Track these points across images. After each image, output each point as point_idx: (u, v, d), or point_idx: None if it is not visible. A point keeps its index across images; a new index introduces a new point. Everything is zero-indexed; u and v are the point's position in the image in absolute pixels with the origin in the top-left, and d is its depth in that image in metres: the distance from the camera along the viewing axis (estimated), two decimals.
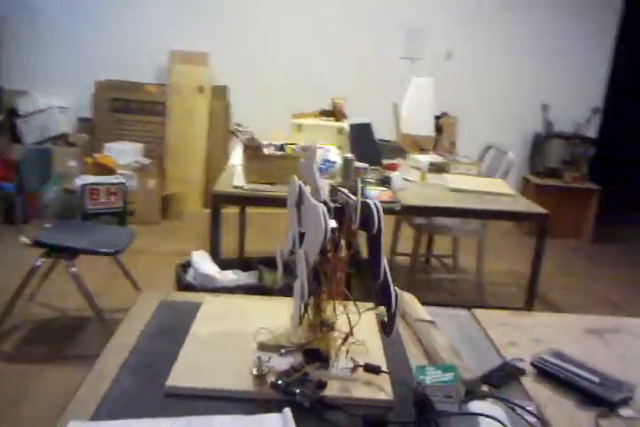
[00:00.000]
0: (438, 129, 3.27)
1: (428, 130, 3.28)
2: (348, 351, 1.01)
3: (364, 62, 4.49)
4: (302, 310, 0.99)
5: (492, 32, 4.53)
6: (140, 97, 4.48)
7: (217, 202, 2.24)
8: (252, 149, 2.30)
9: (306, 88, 4.29)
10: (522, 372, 1.06)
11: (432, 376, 0.94)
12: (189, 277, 2.16)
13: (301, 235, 1.01)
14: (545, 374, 1.05)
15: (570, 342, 1.18)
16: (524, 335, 1.22)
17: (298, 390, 0.92)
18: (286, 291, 2.11)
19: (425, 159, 2.87)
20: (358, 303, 1.02)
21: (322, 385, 0.94)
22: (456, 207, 2.23)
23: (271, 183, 2.32)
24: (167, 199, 4.46)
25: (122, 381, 0.95)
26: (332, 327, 1.02)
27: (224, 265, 2.24)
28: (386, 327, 0.98)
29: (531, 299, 2.37)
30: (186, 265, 2.23)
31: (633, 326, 1.31)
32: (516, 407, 0.93)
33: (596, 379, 1.01)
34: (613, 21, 4.55)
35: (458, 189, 2.47)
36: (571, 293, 3.43)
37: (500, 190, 2.52)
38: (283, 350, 1.02)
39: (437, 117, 3.29)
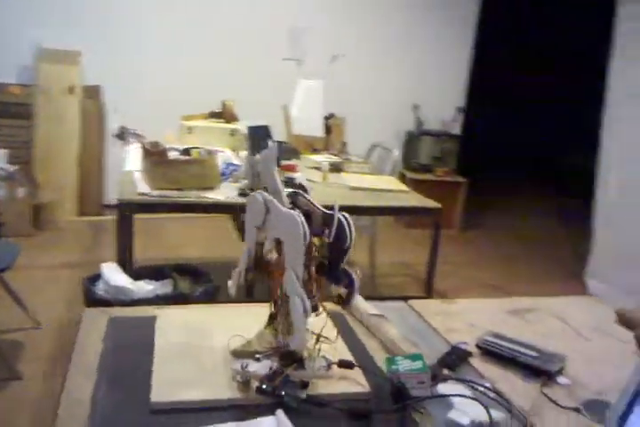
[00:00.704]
0: (328, 130, 3.39)
1: (318, 131, 3.39)
2: (319, 351, 1.06)
3: (251, 63, 4.49)
4: (305, 324, 0.99)
5: (371, 34, 4.75)
6: (2, 99, 4.14)
7: (124, 211, 2.17)
8: (157, 155, 2.25)
9: (192, 89, 4.21)
10: (469, 354, 1.18)
11: (403, 366, 1.02)
12: (100, 290, 2.07)
13: (277, 243, 1.04)
14: (489, 353, 1.18)
15: (499, 324, 1.33)
16: (459, 321, 1.34)
17: (283, 393, 0.95)
18: (204, 297, 2.11)
19: (320, 159, 2.97)
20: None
21: (305, 385, 0.98)
22: (364, 206, 2.35)
23: (179, 189, 2.28)
24: (39, 208, 4.17)
25: (101, 403, 0.93)
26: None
27: (135, 275, 2.18)
28: (344, 300, 1.04)
29: (429, 287, 2.55)
30: (93, 278, 2.14)
31: (544, 306, 1.49)
32: (474, 385, 1.04)
33: (534, 353, 1.15)
34: (470, 32, 4.97)
35: (358, 187, 2.60)
36: (453, 279, 3.72)
37: (395, 187, 2.69)
38: (258, 356, 1.05)
39: (326, 118, 3.40)
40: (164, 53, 4.42)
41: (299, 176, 2.56)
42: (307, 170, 2.84)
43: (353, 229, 1.01)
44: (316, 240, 1.01)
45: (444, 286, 3.47)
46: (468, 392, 1.00)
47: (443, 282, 3.50)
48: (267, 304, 1.10)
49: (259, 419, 0.90)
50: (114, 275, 2.08)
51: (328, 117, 3.42)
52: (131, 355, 1.08)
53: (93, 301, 2.01)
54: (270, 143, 1.13)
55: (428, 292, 2.56)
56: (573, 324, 1.39)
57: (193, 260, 3.08)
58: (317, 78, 3.41)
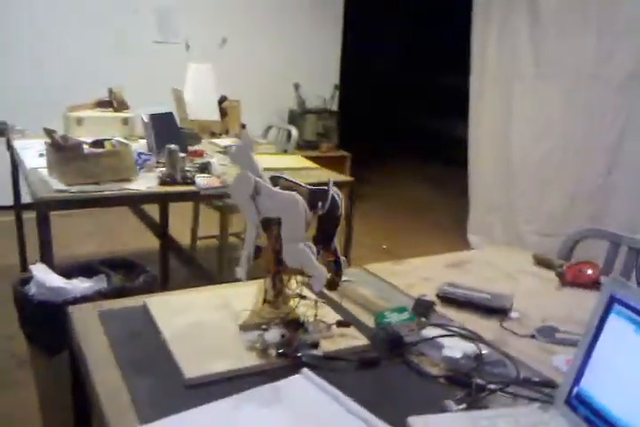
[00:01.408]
0: (223, 113, 3.42)
1: (214, 114, 3.41)
2: (316, 315, 1.18)
3: (131, 48, 4.34)
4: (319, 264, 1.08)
5: (251, 18, 4.78)
6: None
7: (43, 209, 2.10)
8: (71, 149, 2.18)
9: (72, 78, 4.01)
10: (433, 303, 1.35)
11: (394, 318, 1.17)
12: (35, 293, 2.01)
13: (266, 222, 1.13)
14: (449, 300, 1.37)
15: (446, 275, 1.52)
16: (414, 277, 1.52)
17: (300, 354, 1.07)
18: (146, 287, 2.12)
19: (225, 143, 3.01)
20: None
21: (315, 345, 1.10)
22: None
23: (96, 182, 2.24)
24: None
25: (137, 387, 0.98)
26: (303, 297, 1.17)
27: (64, 275, 2.13)
28: (332, 284, 1.17)
29: (348, 256, 2.74)
30: (24, 282, 2.06)
31: (476, 257, 1.71)
32: (449, 327, 1.22)
33: (487, 296, 1.36)
34: (339, 14, 5.18)
35: (271, 168, 2.68)
36: (357, 248, 3.95)
37: (305, 165, 2.82)
38: (264, 327, 1.15)
39: (220, 102, 3.43)
40: (35, 46, 4.15)
41: (213, 161, 2.60)
42: (213, 154, 2.87)
43: (342, 201, 1.14)
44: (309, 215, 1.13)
45: (353, 255, 3.68)
46: (446, 333, 1.18)
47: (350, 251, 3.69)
48: (240, 283, 1.20)
49: (290, 378, 1.01)
50: (46, 276, 2.02)
51: (221, 101, 3.45)
52: (142, 341, 1.13)
53: (30, 306, 1.95)
54: (244, 135, 1.21)
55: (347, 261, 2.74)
56: (504, 268, 1.63)
57: (106, 254, 3.02)
58: (206, 62, 3.41)
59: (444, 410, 0.95)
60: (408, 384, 1.04)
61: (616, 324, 0.89)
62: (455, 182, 4.96)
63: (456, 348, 1.11)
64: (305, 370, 1.03)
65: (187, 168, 2.57)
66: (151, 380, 1.01)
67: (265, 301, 1.20)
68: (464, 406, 0.95)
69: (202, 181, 2.40)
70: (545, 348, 1.20)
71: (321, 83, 5.15)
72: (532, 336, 1.24)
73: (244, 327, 1.15)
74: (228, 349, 1.09)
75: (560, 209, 3.72)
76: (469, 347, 1.11)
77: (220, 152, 2.94)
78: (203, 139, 3.18)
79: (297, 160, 2.94)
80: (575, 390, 0.93)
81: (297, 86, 5.01)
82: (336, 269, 1.17)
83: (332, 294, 1.38)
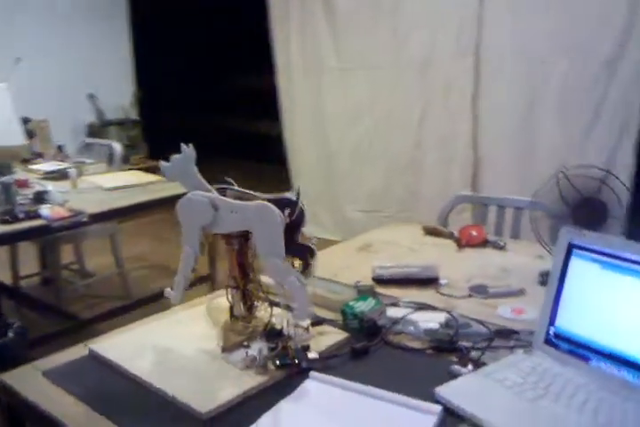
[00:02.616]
0: (30, 135, 3.07)
1: (17, 139, 3.04)
2: (288, 320, 1.17)
3: None
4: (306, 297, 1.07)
5: (45, 33, 4.31)
6: None
7: None
8: None
9: None
10: (373, 287, 1.42)
11: (362, 307, 1.21)
12: None
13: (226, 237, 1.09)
14: (383, 281, 1.44)
15: (359, 259, 1.60)
16: (335, 267, 1.56)
17: (297, 361, 1.05)
18: (22, 341, 1.87)
19: (48, 168, 2.72)
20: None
21: (307, 348, 1.09)
22: (139, 202, 2.31)
23: None
24: None
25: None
26: (275, 305, 1.15)
27: None
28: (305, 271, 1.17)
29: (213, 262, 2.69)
30: None
31: (375, 238, 1.81)
32: (404, 304, 1.30)
33: (416, 269, 1.46)
34: (125, 24, 4.93)
35: (115, 187, 2.51)
36: None
37: (149, 179, 2.67)
38: (245, 343, 1.10)
39: (24, 123, 3.07)
40: None
41: (50, 190, 2.34)
42: (45, 182, 2.59)
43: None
44: None
45: None
46: (411, 310, 1.25)
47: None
48: (176, 307, 1.15)
49: (301, 387, 0.99)
50: None
51: (25, 122, 3.09)
52: (119, 391, 1.01)
53: None
54: (184, 147, 1.13)
55: (212, 265, 2.69)
56: (403, 244, 1.75)
57: None
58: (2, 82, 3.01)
59: (455, 375, 1.02)
60: (402, 362, 1.09)
61: (579, 266, 1.04)
62: (272, 178, 5.07)
63: (429, 320, 1.19)
64: (314, 373, 1.02)
65: (20, 201, 2.29)
66: (165, 424, 0.92)
67: (233, 317, 1.16)
68: (470, 367, 1.04)
69: (48, 212, 2.16)
70: (484, 303, 1.34)
71: (118, 92, 4.86)
72: (470, 296, 1.37)
73: (228, 349, 1.10)
74: (223, 374, 1.04)
75: (379, 185, 4.05)
76: (438, 316, 1.20)
77: (47, 178, 2.66)
78: (14, 167, 2.83)
79: (138, 176, 2.78)
80: (552, 330, 1.06)
81: (92, 97, 4.66)
82: (311, 254, 1.16)
83: (281, 298, 1.37)
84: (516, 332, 1.17)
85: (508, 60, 3.35)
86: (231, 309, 1.17)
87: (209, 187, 1.13)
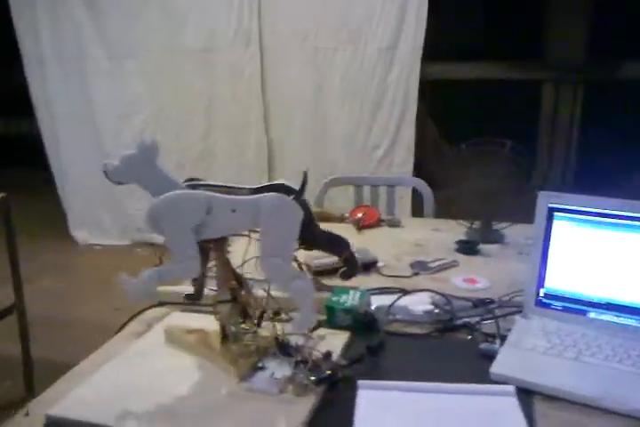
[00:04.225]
0: None
1: None
2: (283, 330, 1.01)
3: None
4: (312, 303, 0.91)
5: None
6: None
7: None
8: None
9: None
10: (319, 280, 1.30)
11: (350, 301, 1.10)
12: None
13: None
14: (326, 272, 1.34)
15: None
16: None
17: (329, 371, 0.92)
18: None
19: None
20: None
21: (329, 354, 0.96)
22: None
23: None
24: None
25: None
26: (278, 314, 0.98)
27: None
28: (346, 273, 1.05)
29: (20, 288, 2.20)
30: None
31: None
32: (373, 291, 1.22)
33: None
34: None
35: None
36: None
37: None
38: (259, 365, 0.92)
39: None
40: None
41: None
42: None
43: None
44: None
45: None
46: (392, 296, 1.18)
47: None
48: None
49: (359, 400, 0.87)
50: None
51: None
52: None
53: None
54: (141, 140, 0.88)
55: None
56: None
57: None
58: None
59: (486, 353, 1.00)
60: (420, 351, 1.03)
61: (561, 226, 1.10)
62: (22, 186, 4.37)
63: (419, 303, 1.14)
64: (362, 382, 0.90)
65: None
66: None
67: (225, 337, 0.96)
68: (492, 340, 1.02)
69: None
70: (434, 278, 1.35)
71: None
72: (417, 274, 1.36)
73: (244, 376, 0.90)
74: (260, 408, 0.85)
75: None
76: (424, 298, 1.16)
77: None
78: None
79: None
80: (542, 291, 1.11)
81: None
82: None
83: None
84: (492, 300, 1.19)
85: (293, 48, 3.40)
86: (223, 328, 0.96)
87: (178, 181, 0.91)
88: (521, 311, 1.13)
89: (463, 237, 1.56)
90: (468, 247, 1.49)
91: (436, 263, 1.40)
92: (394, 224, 1.71)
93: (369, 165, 3.45)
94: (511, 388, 0.88)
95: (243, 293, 0.96)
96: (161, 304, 1.20)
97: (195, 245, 0.86)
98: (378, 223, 1.72)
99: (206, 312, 1.09)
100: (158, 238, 0.86)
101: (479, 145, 1.48)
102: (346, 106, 3.43)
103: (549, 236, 1.11)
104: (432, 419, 0.84)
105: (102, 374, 0.93)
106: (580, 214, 1.08)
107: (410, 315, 1.12)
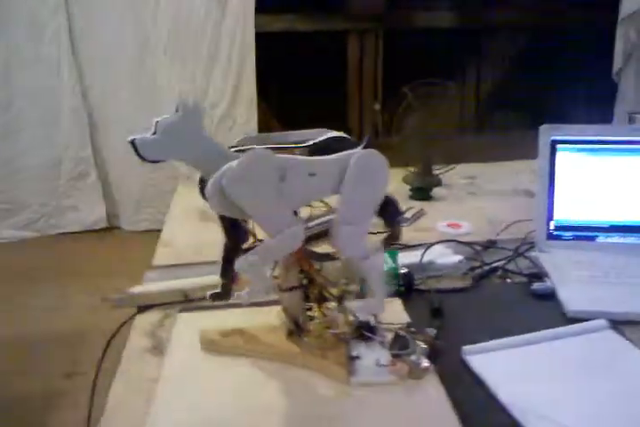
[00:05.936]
0: None
1: None
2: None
3: None
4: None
5: None
6: None
7: None
8: None
9: None
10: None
11: (390, 264, 0.98)
12: None
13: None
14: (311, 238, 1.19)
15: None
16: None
17: (431, 348, 0.80)
18: None
19: None
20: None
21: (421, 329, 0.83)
22: None
23: None
24: None
25: None
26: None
27: None
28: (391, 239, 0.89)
29: None
30: None
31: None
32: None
33: (325, 219, 1.25)
34: None
35: None
36: None
37: None
38: (355, 353, 0.77)
39: None
40: None
41: None
42: None
43: None
44: None
45: None
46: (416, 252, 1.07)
47: None
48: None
49: (474, 366, 0.77)
50: None
51: None
52: None
53: None
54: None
55: None
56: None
57: None
58: None
59: (540, 293, 0.96)
60: (475, 304, 0.96)
61: (565, 158, 1.09)
62: None
63: (440, 255, 1.07)
64: (467, 348, 0.80)
65: None
66: None
67: (300, 328, 0.79)
68: (541, 282, 0.99)
69: None
70: (417, 229, 1.26)
71: None
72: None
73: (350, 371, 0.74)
74: (394, 400, 0.71)
75: None
76: (440, 249, 1.09)
77: None
78: None
79: None
80: (552, 224, 1.11)
81: None
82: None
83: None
84: (494, 241, 1.17)
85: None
86: (293, 320, 0.78)
87: (229, 151, 0.70)
88: (532, 247, 1.12)
89: (404, 184, 1.51)
90: (422, 193, 1.44)
91: (409, 214, 1.32)
92: None
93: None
94: (603, 322, 0.86)
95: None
96: (140, 311, 0.96)
97: (286, 207, 0.68)
98: None
99: (211, 308, 0.90)
100: None
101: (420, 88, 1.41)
102: (176, 62, 3.10)
103: (554, 168, 1.10)
104: (561, 367, 0.78)
105: (157, 417, 0.69)
106: (581, 144, 1.09)
107: (439, 269, 1.04)
